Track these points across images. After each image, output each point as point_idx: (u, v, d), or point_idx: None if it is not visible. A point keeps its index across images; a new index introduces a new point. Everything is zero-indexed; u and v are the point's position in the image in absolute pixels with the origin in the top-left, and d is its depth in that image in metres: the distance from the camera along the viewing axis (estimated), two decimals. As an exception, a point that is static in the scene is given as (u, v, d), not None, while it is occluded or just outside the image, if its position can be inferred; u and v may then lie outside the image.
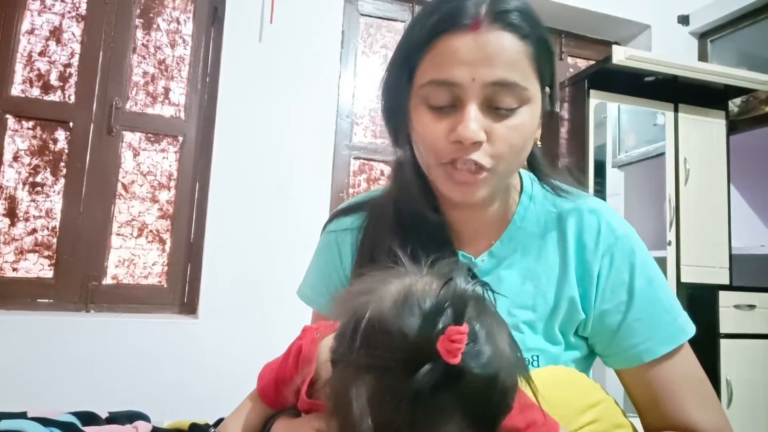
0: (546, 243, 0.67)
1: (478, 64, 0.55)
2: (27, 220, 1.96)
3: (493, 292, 0.45)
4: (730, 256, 2.29)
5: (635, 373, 0.63)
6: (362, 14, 2.41)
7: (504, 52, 0.55)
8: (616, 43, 2.79)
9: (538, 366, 0.63)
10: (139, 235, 2.08)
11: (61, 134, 2.01)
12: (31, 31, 2.02)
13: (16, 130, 1.98)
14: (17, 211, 1.95)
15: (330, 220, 0.77)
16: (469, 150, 0.56)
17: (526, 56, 0.56)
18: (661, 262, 2.20)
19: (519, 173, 0.71)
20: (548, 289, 0.65)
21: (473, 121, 0.55)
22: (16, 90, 1.98)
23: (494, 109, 0.56)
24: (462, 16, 0.55)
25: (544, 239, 0.67)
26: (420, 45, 0.58)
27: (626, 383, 0.65)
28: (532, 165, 0.69)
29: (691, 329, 0.63)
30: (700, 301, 2.18)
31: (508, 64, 0.55)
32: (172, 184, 2.13)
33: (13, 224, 1.95)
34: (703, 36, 2.79)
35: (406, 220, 0.67)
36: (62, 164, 2.01)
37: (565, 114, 2.47)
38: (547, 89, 0.63)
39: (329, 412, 0.42)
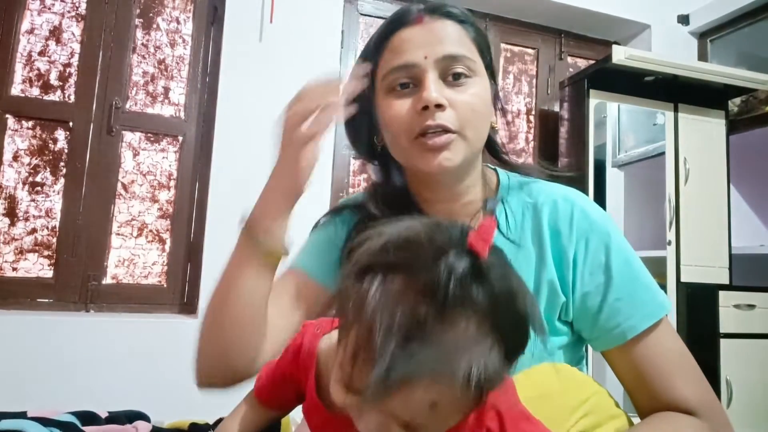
0: (524, 233, 0.69)
1: (428, 44, 0.65)
2: (27, 219, 1.96)
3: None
4: (730, 255, 2.29)
5: (621, 353, 0.64)
6: (362, 14, 2.42)
7: (448, 32, 0.66)
8: (615, 42, 2.79)
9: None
10: (139, 235, 2.08)
11: (60, 134, 2.01)
12: (30, 31, 2.02)
13: (16, 130, 1.98)
14: (17, 211, 1.95)
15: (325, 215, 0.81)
16: (436, 115, 0.63)
17: (467, 36, 0.67)
18: (661, 262, 2.20)
19: (496, 171, 0.76)
20: (528, 276, 0.67)
21: (433, 86, 0.63)
22: (15, 90, 1.98)
23: (450, 82, 0.65)
24: (408, 15, 0.67)
25: (522, 229, 0.69)
26: (378, 44, 0.68)
27: (614, 366, 0.66)
28: (492, 150, 0.75)
29: (668, 304, 0.66)
30: (700, 301, 2.18)
31: (454, 41, 0.65)
32: (172, 183, 2.13)
33: (12, 224, 1.95)
34: (702, 36, 2.79)
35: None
36: (62, 164, 2.01)
37: (565, 114, 2.47)
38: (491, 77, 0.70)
39: (346, 327, 0.42)
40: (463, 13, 0.69)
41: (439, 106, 0.63)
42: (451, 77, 0.65)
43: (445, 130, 0.63)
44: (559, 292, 0.66)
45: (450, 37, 0.66)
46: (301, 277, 0.74)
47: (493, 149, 0.75)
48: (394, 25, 0.68)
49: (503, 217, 0.70)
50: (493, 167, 0.77)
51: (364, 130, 0.73)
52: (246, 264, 0.65)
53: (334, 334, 0.52)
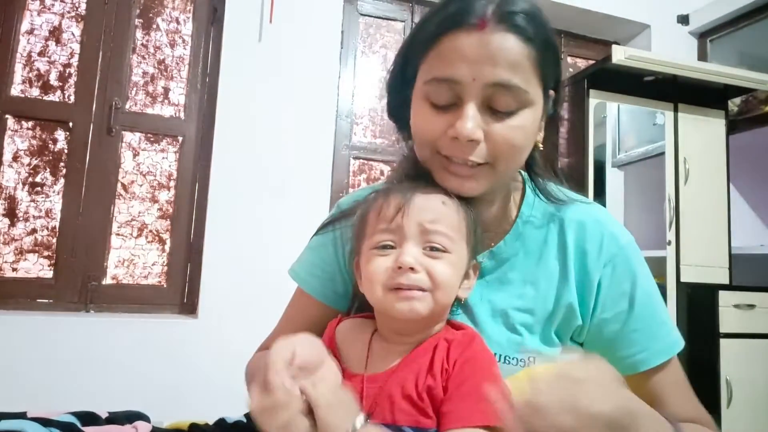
0: (548, 247, 0.67)
1: (481, 63, 0.55)
2: (27, 220, 1.96)
3: None
4: (730, 255, 2.29)
5: (636, 382, 0.64)
6: (362, 14, 2.41)
7: (507, 53, 0.55)
8: (615, 42, 2.79)
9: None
10: (139, 235, 2.08)
11: (60, 134, 2.01)
12: (30, 31, 2.01)
13: (16, 130, 1.98)
14: (17, 211, 1.95)
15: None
16: (466, 149, 0.57)
17: (529, 59, 0.56)
18: (661, 262, 2.20)
19: (522, 177, 0.72)
20: (548, 294, 0.65)
21: (471, 119, 0.56)
22: (15, 90, 1.98)
23: (494, 110, 0.57)
24: (469, 15, 0.55)
25: (546, 243, 0.67)
26: (426, 41, 0.59)
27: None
28: (530, 168, 0.69)
29: (681, 343, 0.66)
30: (699, 301, 2.18)
31: (510, 66, 0.55)
32: (172, 184, 2.13)
33: (12, 224, 1.95)
34: (702, 36, 2.79)
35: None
36: (62, 164, 2.01)
37: (565, 114, 2.47)
38: (552, 93, 0.63)
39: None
40: (535, 27, 0.56)
41: (471, 140, 0.56)
42: (495, 107, 0.57)
43: (474, 164, 0.58)
44: (577, 316, 0.64)
45: (508, 59, 0.55)
46: (312, 303, 0.74)
47: (528, 165, 0.68)
48: (450, 22, 0.57)
49: (524, 235, 0.68)
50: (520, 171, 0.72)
51: (403, 112, 0.66)
52: None
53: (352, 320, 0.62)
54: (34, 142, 1.99)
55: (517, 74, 0.56)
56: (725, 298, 2.16)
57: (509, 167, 0.61)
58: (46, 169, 1.99)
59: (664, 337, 0.65)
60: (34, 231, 1.96)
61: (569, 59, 2.75)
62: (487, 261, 0.68)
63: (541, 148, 0.66)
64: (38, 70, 2.01)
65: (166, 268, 2.10)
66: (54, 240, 1.97)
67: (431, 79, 0.58)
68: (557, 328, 0.65)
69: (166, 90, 2.16)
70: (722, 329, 2.13)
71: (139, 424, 0.84)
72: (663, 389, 0.64)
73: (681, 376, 0.66)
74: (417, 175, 0.64)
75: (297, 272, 0.78)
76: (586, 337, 0.66)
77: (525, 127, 0.58)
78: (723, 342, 2.12)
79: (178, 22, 2.20)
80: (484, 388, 0.49)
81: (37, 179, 1.98)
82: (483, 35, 0.55)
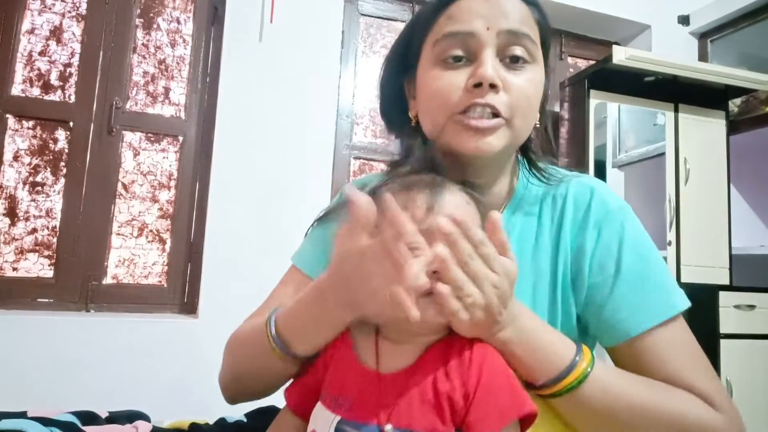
0: (542, 221, 0.67)
1: (492, 17, 0.59)
2: (27, 219, 1.96)
3: None
4: (730, 256, 2.29)
5: (625, 350, 0.60)
6: (362, 14, 2.41)
7: (515, 8, 0.60)
8: (616, 43, 2.79)
9: None
10: (139, 235, 2.08)
11: (61, 134, 2.02)
12: (31, 31, 2.02)
13: (17, 130, 1.98)
14: (17, 211, 1.95)
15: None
16: (487, 94, 0.58)
17: (533, 19, 0.62)
18: (661, 262, 2.19)
19: (517, 158, 0.72)
20: (545, 266, 0.65)
21: (490, 62, 0.58)
22: (16, 90, 1.98)
23: (507, 63, 0.60)
24: None
25: (540, 217, 0.67)
26: (435, 9, 0.62)
27: (619, 364, 0.63)
28: (526, 148, 0.69)
29: (681, 305, 0.61)
30: (700, 302, 2.17)
31: (520, 19, 0.60)
32: (172, 183, 2.13)
33: (13, 224, 1.95)
34: (703, 36, 2.79)
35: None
36: (62, 164, 2.01)
37: (565, 114, 2.47)
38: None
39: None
40: None
41: (493, 86, 0.58)
42: (509, 59, 0.60)
43: (495, 114, 0.58)
44: (569, 289, 0.64)
45: (515, 13, 0.60)
46: (308, 282, 0.71)
47: (524, 146, 0.69)
48: None
49: (519, 225, 0.67)
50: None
51: (397, 99, 0.68)
52: (269, 353, 0.58)
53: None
54: (34, 141, 1.99)
55: (525, 26, 0.60)
56: (725, 298, 2.16)
57: (524, 125, 0.62)
58: (46, 169, 1.99)
59: (658, 301, 0.60)
60: (34, 230, 1.96)
61: (569, 59, 2.75)
62: None
63: (538, 125, 0.66)
64: (39, 69, 2.01)
65: (166, 267, 2.10)
66: (54, 239, 1.97)
67: (445, 35, 0.60)
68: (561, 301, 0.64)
69: (167, 90, 2.16)
70: (722, 330, 2.13)
71: (140, 423, 0.84)
72: (661, 351, 0.58)
73: (683, 340, 0.59)
74: (426, 168, 0.61)
75: (297, 254, 0.77)
76: (582, 308, 0.63)
77: (535, 82, 0.61)
78: (723, 342, 2.12)
79: (178, 22, 2.20)
80: (506, 381, 0.49)
81: (38, 179, 1.98)
82: None
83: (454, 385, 0.48)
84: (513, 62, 0.60)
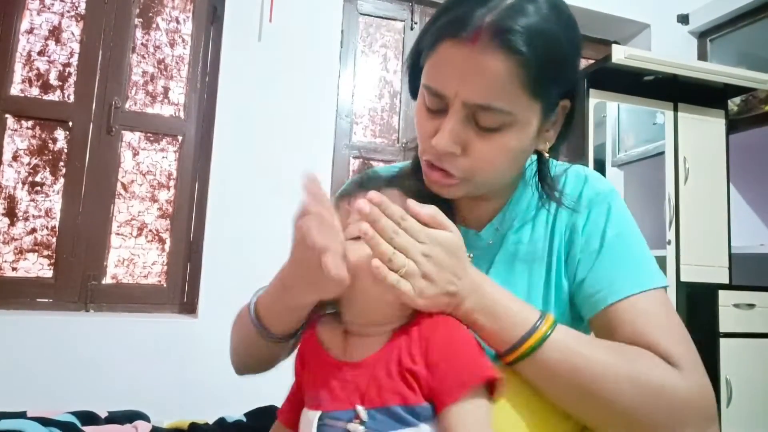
0: (539, 212, 0.69)
1: (465, 79, 0.55)
2: (26, 219, 1.96)
3: None
4: (730, 255, 2.29)
5: (602, 319, 0.61)
6: (362, 14, 2.41)
7: (492, 73, 0.54)
8: (615, 42, 2.79)
9: None
10: (139, 235, 2.08)
11: (60, 134, 2.01)
12: (30, 31, 2.01)
13: (16, 130, 1.97)
14: (17, 211, 1.95)
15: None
16: (442, 159, 0.59)
17: (519, 79, 0.54)
18: (661, 262, 2.19)
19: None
20: (541, 251, 0.68)
21: (448, 133, 0.57)
22: (15, 89, 1.98)
23: (477, 128, 0.57)
24: (465, 25, 0.54)
25: (534, 221, 0.69)
26: (426, 46, 0.60)
27: (598, 336, 0.63)
28: (537, 173, 0.68)
29: (660, 280, 0.62)
30: (699, 301, 2.18)
31: (493, 88, 0.54)
32: (172, 183, 2.13)
33: (12, 224, 1.95)
34: (702, 35, 2.79)
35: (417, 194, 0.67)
36: (62, 164, 2.00)
37: (565, 113, 2.47)
38: (566, 103, 0.62)
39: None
40: (534, 45, 0.53)
41: (447, 153, 0.58)
42: (478, 123, 0.57)
43: (448, 174, 0.60)
44: (565, 288, 0.66)
45: (492, 80, 0.54)
46: None
47: (537, 172, 0.68)
48: (448, 30, 0.56)
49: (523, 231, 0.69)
50: None
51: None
52: (254, 334, 0.64)
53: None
54: (33, 141, 1.99)
55: (500, 96, 0.55)
56: (725, 297, 2.16)
57: (488, 182, 0.62)
58: (45, 169, 1.99)
59: (639, 274, 0.61)
60: (33, 230, 1.96)
61: (569, 59, 2.75)
62: (492, 236, 0.70)
63: (547, 156, 0.66)
64: (38, 69, 2.01)
65: (165, 267, 2.10)
66: (54, 239, 1.97)
67: (423, 85, 0.60)
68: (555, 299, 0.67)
69: (166, 89, 2.15)
70: (722, 329, 2.13)
71: (139, 423, 0.84)
72: (630, 319, 0.58)
73: (657, 311, 0.59)
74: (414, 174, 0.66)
75: None
76: (571, 285, 0.66)
77: (508, 146, 0.58)
78: (723, 341, 2.12)
79: (177, 22, 2.19)
80: (465, 348, 0.52)
81: (37, 179, 1.98)
82: (473, 49, 0.53)
83: (416, 359, 0.51)
84: (482, 129, 0.57)
